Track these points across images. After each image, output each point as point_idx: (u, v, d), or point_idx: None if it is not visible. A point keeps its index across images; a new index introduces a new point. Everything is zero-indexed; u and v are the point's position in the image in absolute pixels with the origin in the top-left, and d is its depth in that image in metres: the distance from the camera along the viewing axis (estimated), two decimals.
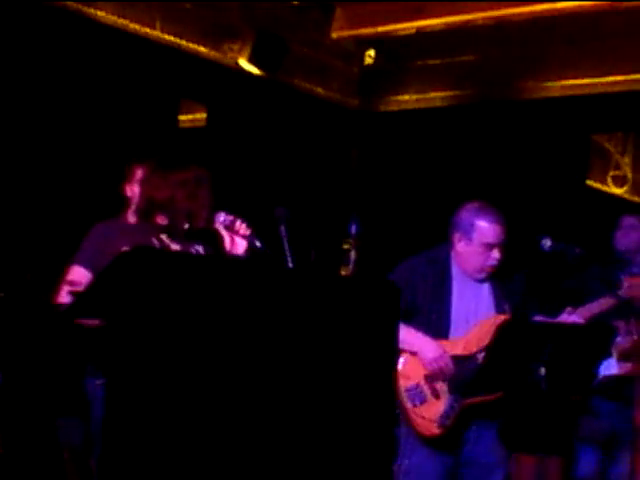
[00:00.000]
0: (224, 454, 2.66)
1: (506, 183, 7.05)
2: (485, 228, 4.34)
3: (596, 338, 4.37)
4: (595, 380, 4.83)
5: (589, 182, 7.58)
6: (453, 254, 4.43)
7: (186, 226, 3.89)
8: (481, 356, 4.24)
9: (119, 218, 4.28)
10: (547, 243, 4.45)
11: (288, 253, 3.85)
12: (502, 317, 4.32)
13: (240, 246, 3.98)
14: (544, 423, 4.15)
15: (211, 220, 3.99)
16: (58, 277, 4.11)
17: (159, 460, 2.58)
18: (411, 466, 4.26)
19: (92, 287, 3.29)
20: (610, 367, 5.03)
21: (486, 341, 4.23)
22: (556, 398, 4.67)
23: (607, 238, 5.56)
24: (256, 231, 4.15)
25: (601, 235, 5.60)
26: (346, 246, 7.27)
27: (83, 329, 3.53)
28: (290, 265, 3.79)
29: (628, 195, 7.90)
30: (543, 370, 4.10)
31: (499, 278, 4.43)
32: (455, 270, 4.41)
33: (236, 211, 4.47)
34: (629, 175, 7.94)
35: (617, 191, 7.84)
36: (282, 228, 3.98)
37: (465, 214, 4.41)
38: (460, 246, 4.39)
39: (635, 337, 4.83)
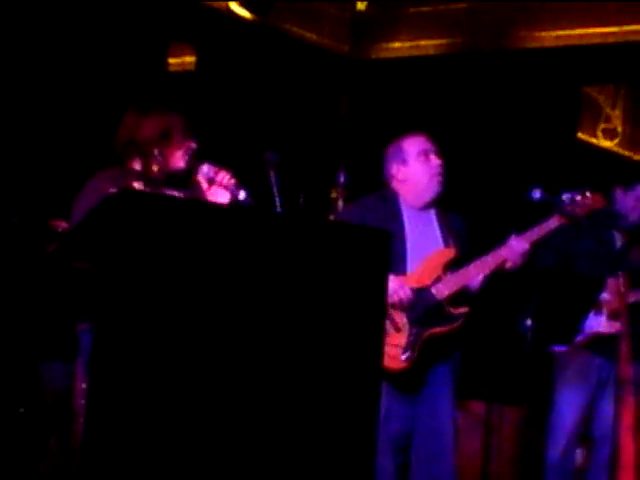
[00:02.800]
0: (211, 399, 2.65)
1: (496, 133, 7.02)
2: (411, 142, 4.50)
3: (582, 290, 4.40)
4: (584, 335, 4.85)
5: (579, 135, 7.55)
6: (398, 190, 4.51)
7: (156, 168, 3.85)
8: (435, 287, 4.34)
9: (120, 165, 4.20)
10: (537, 194, 4.46)
11: (277, 197, 3.85)
12: (450, 250, 4.45)
13: (222, 198, 3.95)
14: (527, 374, 4.17)
15: (194, 170, 3.97)
16: (45, 220, 4.07)
17: (145, 405, 2.57)
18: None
19: (78, 228, 3.26)
20: (600, 324, 5.06)
21: (438, 273, 4.36)
22: (539, 350, 4.70)
23: (597, 191, 5.53)
24: (244, 177, 4.13)
25: (591, 188, 5.58)
26: (334, 194, 7.24)
27: (71, 271, 3.50)
28: (278, 209, 3.78)
29: (618, 148, 7.87)
30: (529, 321, 4.13)
31: (441, 211, 4.53)
32: (404, 205, 4.49)
33: (225, 155, 4.44)
34: (619, 128, 7.91)
35: (607, 144, 7.82)
36: (271, 173, 3.98)
37: (390, 148, 4.55)
38: (401, 174, 4.49)
39: (622, 291, 4.84)
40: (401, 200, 4.50)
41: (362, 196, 4.64)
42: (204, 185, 3.99)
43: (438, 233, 4.53)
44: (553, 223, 4.43)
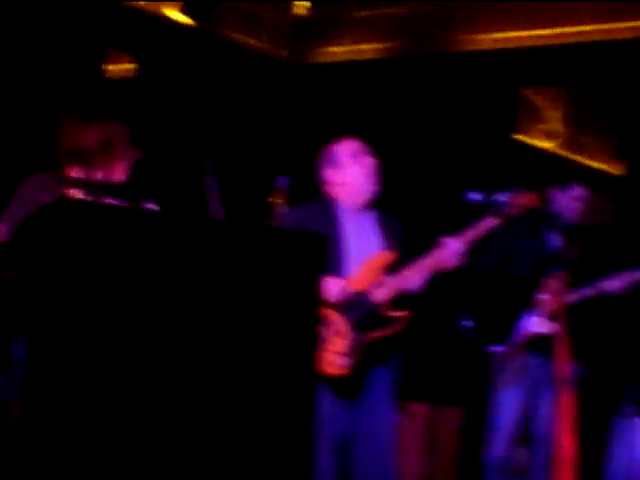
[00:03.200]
0: (144, 405, 2.63)
1: (435, 135, 7.06)
2: (343, 145, 4.49)
3: (518, 291, 4.43)
4: (523, 335, 4.89)
5: (518, 136, 7.62)
6: (335, 194, 4.50)
7: (100, 176, 3.82)
8: (375, 291, 4.33)
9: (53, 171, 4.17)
10: (474, 196, 4.48)
11: (216, 205, 3.84)
12: (389, 253, 4.42)
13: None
14: (465, 375, 4.20)
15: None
16: None
17: (79, 414, 2.55)
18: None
19: (12, 239, 3.23)
20: (539, 325, 5.11)
21: (377, 276, 4.35)
22: (476, 349, 4.74)
23: (532, 191, 5.58)
24: (185, 183, 4.12)
25: (526, 187, 5.63)
26: (276, 200, 7.23)
27: (5, 282, 3.46)
28: (218, 216, 3.77)
29: (557, 149, 7.95)
30: (468, 322, 4.17)
31: (380, 213, 4.53)
32: (342, 209, 4.49)
33: (164, 162, 4.44)
34: (559, 130, 7.99)
35: (546, 145, 7.90)
36: (210, 180, 3.97)
37: (324, 152, 4.53)
38: (336, 177, 4.49)
39: (560, 291, 4.89)
40: (339, 204, 4.52)
41: (302, 201, 4.65)
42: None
43: (378, 236, 4.54)
44: (489, 223, 4.44)
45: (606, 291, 5.05)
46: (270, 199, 7.08)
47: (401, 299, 4.39)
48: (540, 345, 5.12)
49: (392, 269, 4.42)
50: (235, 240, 2.86)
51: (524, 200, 4.48)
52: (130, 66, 6.96)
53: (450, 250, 4.37)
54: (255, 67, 7.35)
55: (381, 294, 4.37)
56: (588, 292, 5.12)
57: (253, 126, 7.28)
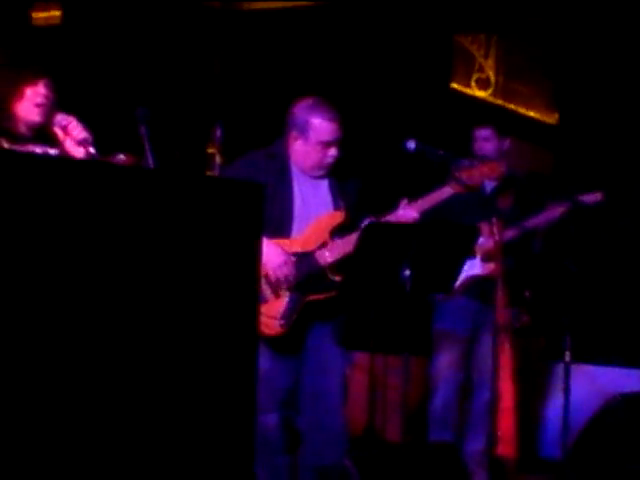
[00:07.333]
0: (65, 366, 2.55)
1: (370, 85, 7.00)
2: (320, 126, 4.28)
3: (459, 239, 4.40)
4: (460, 280, 4.89)
5: (453, 85, 7.60)
6: (290, 151, 4.37)
7: (20, 124, 3.78)
8: (320, 253, 4.26)
9: None
10: (412, 145, 4.43)
11: (149, 153, 3.78)
12: (338, 214, 4.34)
13: (76, 152, 3.93)
14: (408, 323, 4.18)
15: (50, 122, 3.97)
16: None
17: None
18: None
19: None
20: (474, 267, 5.12)
21: (324, 238, 4.28)
22: (419, 298, 4.73)
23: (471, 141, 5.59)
24: (114, 133, 4.05)
25: (465, 138, 5.62)
26: (211, 150, 7.15)
27: None
28: (151, 165, 3.71)
29: (492, 98, 7.96)
30: (408, 271, 4.13)
31: (335, 175, 4.41)
32: (294, 166, 4.37)
33: (96, 112, 4.35)
34: (492, 78, 7.99)
35: (481, 94, 7.89)
36: (143, 128, 3.90)
37: (299, 111, 4.33)
38: (297, 144, 4.33)
39: (496, 238, 4.91)
40: (291, 159, 4.38)
41: (251, 151, 4.47)
42: (60, 135, 3.99)
43: (328, 196, 4.41)
44: (447, 192, 4.35)
45: (532, 227, 5.14)
46: (207, 149, 7.00)
47: (345, 261, 4.28)
48: (477, 289, 5.14)
49: (342, 230, 4.32)
50: (168, 190, 2.77)
51: (485, 170, 4.40)
52: (57, 13, 6.79)
53: (403, 218, 4.27)
54: (187, 14, 7.20)
55: (326, 257, 4.27)
56: (517, 230, 5.17)
57: (187, 75, 7.15)
